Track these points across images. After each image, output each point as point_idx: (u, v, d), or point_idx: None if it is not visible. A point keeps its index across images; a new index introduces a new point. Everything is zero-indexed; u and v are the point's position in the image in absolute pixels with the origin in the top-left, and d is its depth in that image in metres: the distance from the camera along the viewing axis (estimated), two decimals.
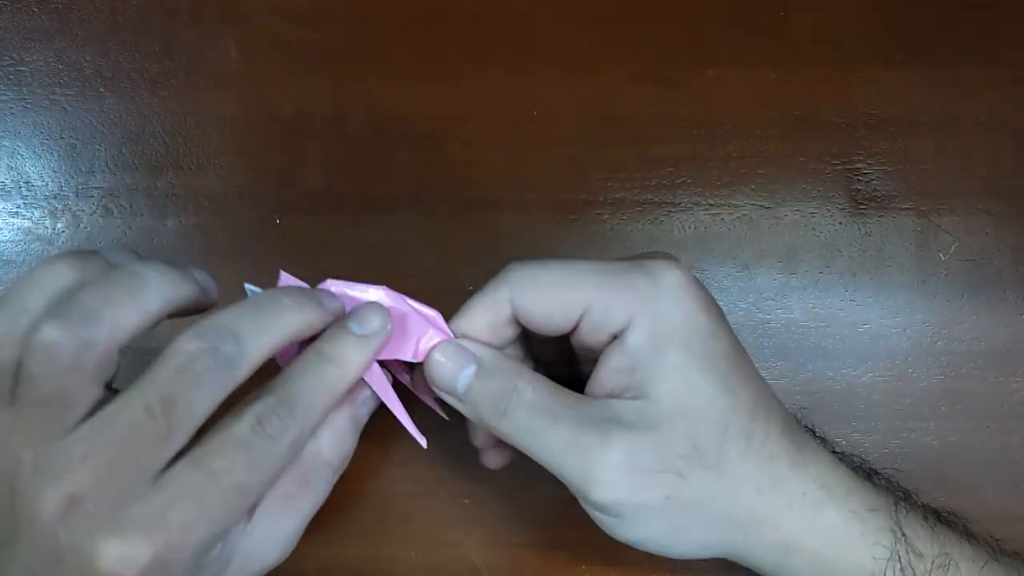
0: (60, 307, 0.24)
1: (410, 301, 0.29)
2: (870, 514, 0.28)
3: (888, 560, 0.28)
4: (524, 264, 0.29)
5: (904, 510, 0.29)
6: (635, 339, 0.27)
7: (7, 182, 0.38)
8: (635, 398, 0.27)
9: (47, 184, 0.38)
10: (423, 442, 0.30)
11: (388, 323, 0.28)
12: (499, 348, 0.30)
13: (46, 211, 0.38)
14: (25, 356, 0.23)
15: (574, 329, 0.29)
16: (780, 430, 0.28)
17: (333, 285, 0.29)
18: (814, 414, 0.36)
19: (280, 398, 0.25)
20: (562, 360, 0.33)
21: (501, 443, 0.31)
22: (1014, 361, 0.37)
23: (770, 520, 0.28)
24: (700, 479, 0.27)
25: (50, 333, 0.23)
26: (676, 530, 0.28)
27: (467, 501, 0.35)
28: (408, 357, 0.29)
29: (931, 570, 0.28)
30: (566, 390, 0.28)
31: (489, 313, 0.29)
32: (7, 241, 0.38)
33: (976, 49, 0.39)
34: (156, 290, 0.25)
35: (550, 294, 0.28)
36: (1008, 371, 0.37)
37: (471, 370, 0.28)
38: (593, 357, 0.29)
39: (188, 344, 0.24)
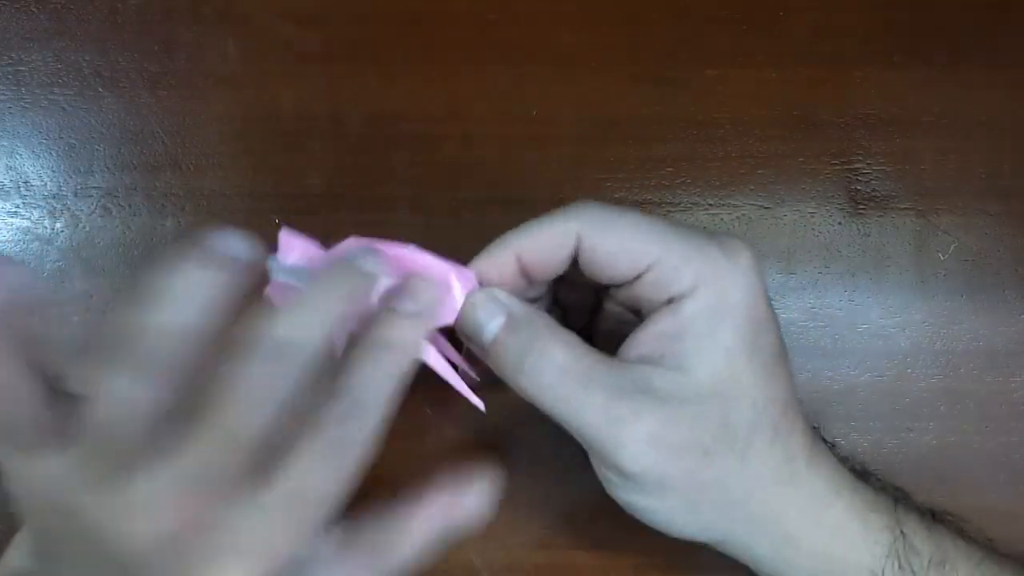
0: (113, 353, 0.22)
1: (444, 260, 0.28)
2: (873, 514, 0.29)
3: (887, 557, 0.28)
4: (598, 204, 0.28)
5: (903, 510, 0.30)
6: (693, 307, 0.27)
7: (6, 182, 0.38)
8: (674, 368, 0.27)
9: (46, 184, 0.38)
10: (481, 405, 0.29)
11: (435, 294, 0.27)
12: (544, 280, 0.29)
13: (45, 211, 0.38)
14: (92, 408, 0.22)
15: (631, 281, 0.28)
16: (802, 430, 0.29)
17: (358, 243, 0.28)
18: (813, 414, 0.36)
19: (349, 400, 0.24)
20: (584, 308, 0.32)
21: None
22: (1014, 361, 0.37)
23: (778, 514, 0.28)
24: (724, 461, 0.27)
25: (120, 384, 0.21)
26: (688, 507, 0.28)
27: None
28: (449, 320, 0.28)
29: (928, 567, 0.28)
30: (596, 352, 0.28)
31: (553, 240, 0.28)
32: (6, 241, 0.38)
33: (976, 49, 0.39)
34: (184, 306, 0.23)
35: (624, 239, 0.27)
36: (1008, 371, 0.37)
37: (499, 320, 0.28)
38: (624, 318, 0.29)
39: (252, 364, 0.23)
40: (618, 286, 0.29)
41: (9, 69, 0.39)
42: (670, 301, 0.27)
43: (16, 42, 0.39)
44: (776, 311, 0.37)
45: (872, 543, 0.28)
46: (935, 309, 0.37)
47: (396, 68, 0.39)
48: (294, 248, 0.27)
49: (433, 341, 0.30)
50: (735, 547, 0.29)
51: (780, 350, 0.28)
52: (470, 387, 0.29)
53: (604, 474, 0.28)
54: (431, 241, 0.38)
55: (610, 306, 0.31)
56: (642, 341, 0.28)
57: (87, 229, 0.38)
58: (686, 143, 0.38)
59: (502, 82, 0.39)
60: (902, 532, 0.28)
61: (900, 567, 0.28)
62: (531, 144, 0.38)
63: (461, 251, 0.38)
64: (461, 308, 0.28)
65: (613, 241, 0.27)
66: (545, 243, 0.28)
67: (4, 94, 0.39)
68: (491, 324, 0.28)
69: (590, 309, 0.33)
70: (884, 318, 0.37)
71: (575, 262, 0.29)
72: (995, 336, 0.37)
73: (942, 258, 0.38)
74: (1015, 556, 0.31)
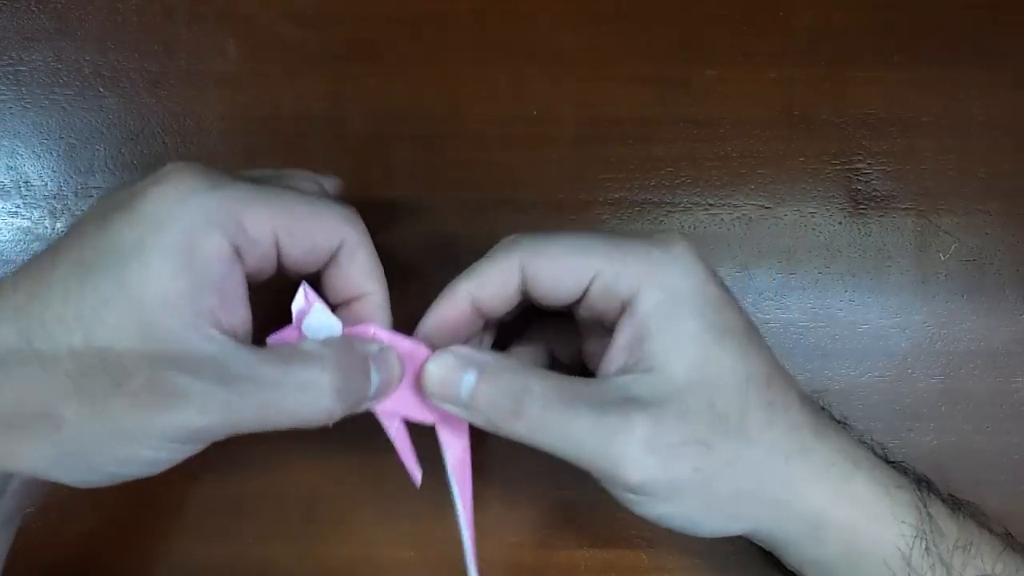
0: None
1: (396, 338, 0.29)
2: (897, 490, 0.28)
3: (915, 538, 0.28)
4: (532, 234, 0.29)
5: (926, 491, 0.29)
6: (644, 306, 0.27)
7: (6, 182, 0.38)
8: (647, 371, 0.27)
9: (46, 184, 0.38)
10: (418, 478, 0.30)
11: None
12: (501, 318, 0.30)
13: (45, 211, 0.38)
14: None
15: (582, 299, 0.28)
16: (799, 401, 0.28)
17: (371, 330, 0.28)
18: None
19: None
20: (572, 352, 0.33)
21: None
22: (1014, 361, 0.37)
23: (800, 490, 0.28)
24: (726, 447, 0.27)
25: None
26: (707, 504, 0.27)
27: None
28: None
29: (953, 551, 0.28)
30: (574, 377, 0.28)
31: (499, 276, 0.29)
32: (7, 241, 0.38)
33: (976, 49, 0.39)
34: None
35: (561, 260, 0.28)
36: (1008, 371, 0.37)
37: (473, 375, 0.27)
38: (598, 348, 0.29)
39: None
40: (577, 306, 0.29)
41: (9, 69, 0.39)
42: (623, 308, 0.28)
43: (17, 42, 0.39)
44: (776, 311, 0.37)
45: (900, 520, 0.28)
46: (935, 309, 0.37)
47: (396, 68, 0.39)
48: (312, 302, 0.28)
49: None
50: (765, 536, 0.29)
51: (747, 324, 0.28)
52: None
53: (621, 496, 0.28)
54: (431, 241, 0.38)
55: (588, 334, 0.31)
56: (614, 356, 0.28)
57: None
58: (686, 143, 0.38)
59: (502, 82, 0.39)
60: (929, 513, 0.28)
61: (927, 549, 0.28)
62: (531, 144, 0.38)
63: (461, 252, 0.38)
64: (424, 372, 0.28)
65: (552, 263, 0.28)
66: (493, 280, 0.29)
67: (5, 94, 0.39)
68: (465, 380, 0.27)
69: (575, 345, 0.33)
70: (884, 318, 0.37)
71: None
72: (995, 336, 0.37)
73: (942, 258, 0.38)
74: None
